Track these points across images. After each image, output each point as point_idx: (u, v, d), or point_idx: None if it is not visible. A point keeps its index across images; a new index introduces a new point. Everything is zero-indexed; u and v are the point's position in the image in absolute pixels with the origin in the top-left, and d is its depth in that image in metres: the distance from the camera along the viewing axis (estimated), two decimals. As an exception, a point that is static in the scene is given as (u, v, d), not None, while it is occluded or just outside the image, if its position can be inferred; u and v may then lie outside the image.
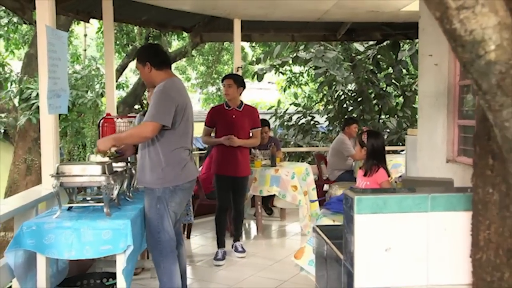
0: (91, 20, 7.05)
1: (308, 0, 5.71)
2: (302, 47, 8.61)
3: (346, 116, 8.41)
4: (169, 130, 3.15)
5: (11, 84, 8.64)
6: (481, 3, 1.19)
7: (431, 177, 3.41)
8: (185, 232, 5.60)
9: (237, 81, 4.75)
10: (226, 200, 4.80)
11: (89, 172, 3.08)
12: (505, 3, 1.22)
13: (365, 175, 3.80)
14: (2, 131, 9.69)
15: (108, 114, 4.61)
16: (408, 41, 8.00)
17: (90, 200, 3.33)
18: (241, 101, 4.82)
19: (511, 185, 1.47)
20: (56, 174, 3.06)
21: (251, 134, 4.86)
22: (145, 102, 10.49)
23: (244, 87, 4.81)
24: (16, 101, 8.35)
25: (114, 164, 3.34)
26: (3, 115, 8.58)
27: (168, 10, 6.31)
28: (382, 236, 1.74)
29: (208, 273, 4.55)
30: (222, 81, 4.89)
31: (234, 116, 4.70)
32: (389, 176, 3.74)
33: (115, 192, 3.18)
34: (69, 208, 3.21)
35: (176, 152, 3.25)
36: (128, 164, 3.64)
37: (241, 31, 6.81)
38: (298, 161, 8.82)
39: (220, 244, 4.79)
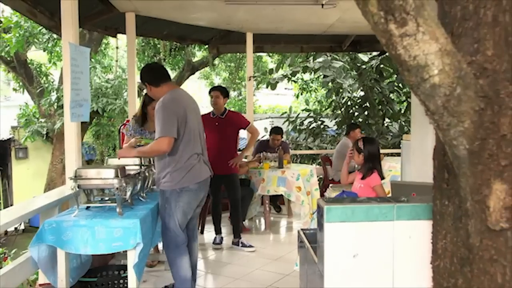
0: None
1: (312, 15, 5.67)
2: (311, 57, 8.57)
3: (352, 121, 8.32)
4: (175, 139, 3.19)
5: (51, 92, 8.86)
6: (421, 31, 1.16)
7: (421, 182, 3.33)
8: (199, 228, 5.64)
9: (223, 92, 4.96)
10: (218, 196, 5.09)
11: (103, 175, 3.12)
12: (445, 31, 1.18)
13: (362, 178, 3.76)
14: (45, 133, 9.94)
15: (128, 121, 4.66)
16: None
17: (108, 200, 3.37)
18: (225, 109, 5.00)
19: (462, 198, 1.43)
20: (74, 177, 3.12)
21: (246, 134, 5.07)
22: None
23: (228, 97, 5.07)
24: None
25: (128, 167, 3.40)
26: (43, 120, 8.80)
27: (187, 25, 6.38)
28: (350, 243, 1.71)
29: (218, 266, 4.57)
30: (210, 93, 5.04)
31: (217, 124, 4.93)
32: (383, 178, 3.69)
33: (128, 193, 3.22)
34: (87, 208, 3.26)
35: (182, 159, 3.28)
36: (142, 167, 3.69)
37: (254, 43, 6.82)
38: (308, 162, 8.77)
39: (217, 231, 5.12)
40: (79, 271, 3.44)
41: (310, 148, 8.78)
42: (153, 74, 3.35)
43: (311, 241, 2.08)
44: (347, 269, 1.70)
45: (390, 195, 3.16)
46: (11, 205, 12.76)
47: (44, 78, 9.55)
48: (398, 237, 1.72)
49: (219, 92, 4.94)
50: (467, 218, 1.42)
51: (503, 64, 1.26)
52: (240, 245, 4.97)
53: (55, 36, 9.44)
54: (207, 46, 7.67)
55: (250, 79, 6.65)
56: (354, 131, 6.42)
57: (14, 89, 10.35)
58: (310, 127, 9.15)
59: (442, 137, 1.34)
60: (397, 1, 1.12)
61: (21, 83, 9.49)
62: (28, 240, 3.11)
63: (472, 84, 1.27)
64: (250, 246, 4.94)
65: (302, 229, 2.38)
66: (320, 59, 7.91)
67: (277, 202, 6.65)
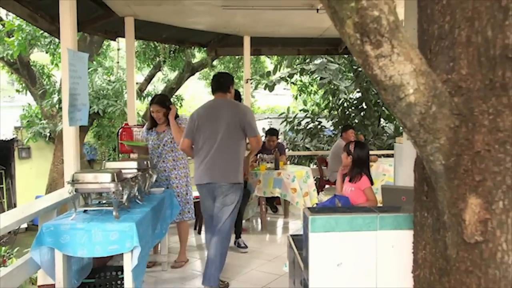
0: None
1: (308, 19, 5.69)
2: (309, 59, 8.58)
3: (348, 122, 8.33)
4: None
5: (53, 94, 8.87)
6: (396, 52, 1.18)
7: (411, 186, 3.35)
8: (197, 228, 5.67)
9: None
10: None
11: (100, 179, 3.14)
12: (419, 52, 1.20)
13: (350, 181, 3.77)
14: (48, 134, 9.96)
15: (126, 124, 4.68)
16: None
17: (105, 203, 3.39)
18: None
19: (440, 211, 1.44)
20: (72, 181, 3.14)
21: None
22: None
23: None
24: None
25: (125, 171, 3.42)
26: (45, 121, 8.82)
27: (186, 29, 6.40)
28: (335, 252, 1.73)
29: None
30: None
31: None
32: (372, 183, 3.70)
33: (125, 197, 3.24)
34: (85, 211, 3.28)
35: (195, 160, 3.86)
36: (139, 170, 3.71)
37: (251, 46, 6.84)
38: (306, 163, 8.79)
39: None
40: (82, 273, 3.48)
41: (308, 148, 8.80)
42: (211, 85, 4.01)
43: (300, 246, 2.10)
44: (331, 278, 1.72)
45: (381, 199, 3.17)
46: (15, 204, 12.81)
47: (47, 80, 9.56)
48: (381, 247, 1.74)
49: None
50: (444, 230, 1.44)
51: (476, 83, 1.28)
52: (236, 245, 4.99)
53: (57, 40, 9.48)
54: (205, 48, 7.68)
55: (247, 82, 6.67)
56: (347, 132, 6.47)
57: (17, 90, 10.37)
58: (308, 128, 9.16)
59: (419, 153, 1.36)
60: (371, 24, 1.14)
61: (24, 84, 9.51)
62: (31, 238, 3.14)
63: (447, 102, 1.28)
64: (244, 247, 4.98)
65: (291, 235, 2.40)
66: (317, 61, 7.93)
67: (274, 203, 6.68)
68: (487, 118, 1.27)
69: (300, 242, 2.21)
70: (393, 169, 4.85)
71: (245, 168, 5.13)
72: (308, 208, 1.86)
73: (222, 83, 3.86)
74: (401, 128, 8.27)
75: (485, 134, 1.28)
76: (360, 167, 3.70)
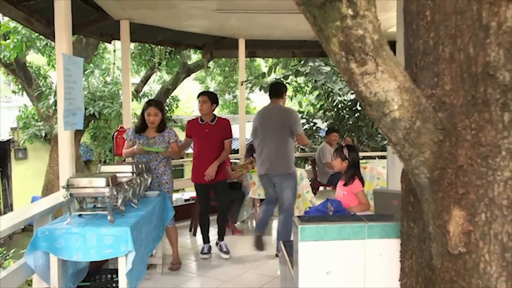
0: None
1: (302, 22, 5.69)
2: (303, 61, 8.59)
3: (343, 123, 8.36)
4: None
5: (49, 95, 8.84)
6: (380, 70, 1.20)
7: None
8: (192, 229, 5.68)
9: (211, 98, 4.68)
10: (205, 205, 4.89)
11: (94, 184, 3.15)
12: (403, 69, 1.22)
13: (345, 185, 3.80)
14: (44, 135, 9.94)
15: (121, 128, 4.68)
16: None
17: (100, 207, 3.40)
18: (214, 115, 4.74)
19: (426, 222, 1.47)
20: (67, 186, 3.15)
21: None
22: (166, 108, 10.58)
23: (217, 103, 4.78)
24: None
25: (119, 175, 3.43)
26: (41, 123, 8.79)
27: (181, 32, 6.40)
28: (324, 260, 1.75)
29: (209, 268, 4.59)
30: (198, 97, 4.76)
31: (206, 130, 4.68)
32: (363, 185, 3.74)
33: (119, 201, 3.25)
34: (80, 215, 3.29)
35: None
36: (134, 174, 3.72)
37: (246, 48, 6.85)
38: (301, 163, 8.81)
39: (205, 240, 4.90)
40: (79, 276, 3.48)
41: (302, 149, 8.83)
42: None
43: (292, 252, 2.12)
44: (320, 286, 1.74)
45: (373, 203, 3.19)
46: (11, 204, 12.78)
47: (43, 81, 9.53)
48: (369, 255, 1.76)
49: (207, 97, 4.66)
50: (430, 241, 1.47)
51: (459, 98, 1.30)
52: (218, 247, 4.89)
53: (53, 44, 9.44)
54: (200, 51, 7.68)
55: (242, 84, 6.68)
56: (329, 135, 6.61)
57: (14, 92, 10.34)
58: (303, 129, 9.18)
59: (405, 166, 1.38)
60: (356, 43, 1.16)
61: (20, 86, 9.48)
62: (27, 239, 3.14)
63: (431, 117, 1.30)
64: (226, 253, 4.83)
65: (284, 241, 2.42)
66: (311, 64, 7.95)
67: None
68: (469, 133, 1.29)
69: (291, 248, 2.23)
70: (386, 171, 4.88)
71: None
72: (298, 216, 1.88)
73: (276, 91, 4.67)
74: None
75: (468, 149, 1.30)
76: (354, 169, 3.74)
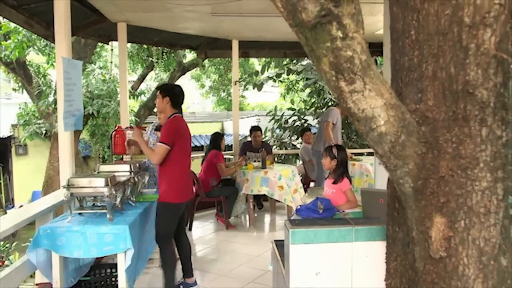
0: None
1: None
2: (295, 60, 8.61)
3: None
4: None
5: (49, 94, 8.78)
6: (368, 88, 1.23)
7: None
8: (188, 225, 5.70)
9: (162, 91, 3.64)
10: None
11: (94, 184, 3.16)
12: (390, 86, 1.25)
13: (334, 183, 3.83)
14: (44, 132, 9.87)
15: (119, 127, 4.67)
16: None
17: (99, 206, 3.41)
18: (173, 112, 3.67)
19: (409, 227, 1.51)
20: (67, 186, 3.16)
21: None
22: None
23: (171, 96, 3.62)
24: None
25: (118, 174, 3.44)
26: (41, 121, 8.74)
27: (176, 33, 6.39)
28: (313, 262, 1.79)
29: (204, 262, 4.62)
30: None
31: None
32: (351, 183, 3.78)
33: (118, 200, 3.27)
34: (80, 213, 3.30)
35: None
36: (131, 173, 3.73)
37: (239, 49, 6.87)
38: (292, 159, 8.85)
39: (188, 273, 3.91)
40: (80, 272, 3.50)
41: (294, 145, 8.86)
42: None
43: (283, 252, 2.15)
44: (310, 286, 1.78)
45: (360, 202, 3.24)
46: (12, 199, 12.71)
47: (43, 79, 9.45)
48: (356, 257, 1.80)
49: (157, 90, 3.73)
50: (413, 245, 1.51)
51: (441, 114, 1.33)
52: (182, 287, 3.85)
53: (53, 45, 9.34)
54: (195, 51, 7.67)
55: (235, 83, 6.69)
56: (304, 135, 6.85)
57: (14, 89, 10.24)
58: (295, 125, 9.21)
59: (390, 176, 1.41)
60: (345, 63, 1.19)
61: (20, 84, 9.40)
62: (30, 232, 3.16)
63: (415, 131, 1.34)
64: None
65: (275, 240, 2.46)
66: (304, 62, 7.97)
67: (261, 200, 6.73)
68: (450, 146, 1.33)
69: (283, 248, 2.27)
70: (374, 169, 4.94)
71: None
72: (289, 220, 1.91)
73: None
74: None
75: (449, 161, 1.34)
76: (343, 168, 3.78)
